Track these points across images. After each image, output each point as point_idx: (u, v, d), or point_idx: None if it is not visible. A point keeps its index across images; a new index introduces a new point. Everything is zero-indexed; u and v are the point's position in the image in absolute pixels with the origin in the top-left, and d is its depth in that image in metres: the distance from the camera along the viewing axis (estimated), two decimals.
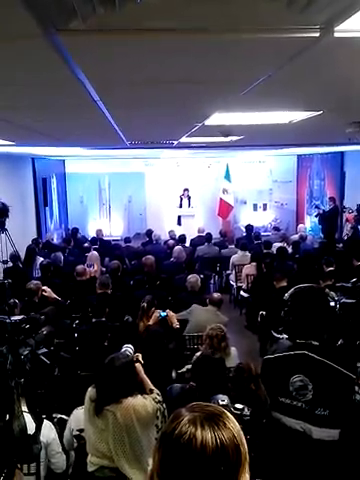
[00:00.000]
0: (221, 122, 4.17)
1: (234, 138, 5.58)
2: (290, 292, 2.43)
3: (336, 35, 1.60)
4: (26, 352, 1.96)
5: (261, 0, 1.32)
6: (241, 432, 0.97)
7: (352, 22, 1.50)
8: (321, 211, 10.82)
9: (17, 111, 3.50)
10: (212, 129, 4.65)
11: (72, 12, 1.35)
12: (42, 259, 8.12)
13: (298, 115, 3.92)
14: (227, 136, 5.18)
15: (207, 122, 4.22)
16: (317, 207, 11.27)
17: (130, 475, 2.79)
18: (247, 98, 2.85)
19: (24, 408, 1.95)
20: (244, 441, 0.96)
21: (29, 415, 2.07)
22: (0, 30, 1.52)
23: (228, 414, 0.99)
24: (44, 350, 2.14)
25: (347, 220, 10.33)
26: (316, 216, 11.12)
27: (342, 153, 11.08)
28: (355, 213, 9.73)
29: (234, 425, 0.97)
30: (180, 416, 0.98)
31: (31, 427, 2.01)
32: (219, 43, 1.71)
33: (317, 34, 1.60)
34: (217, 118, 3.92)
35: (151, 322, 4.42)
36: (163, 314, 4.45)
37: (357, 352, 3.41)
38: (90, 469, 2.89)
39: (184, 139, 6.22)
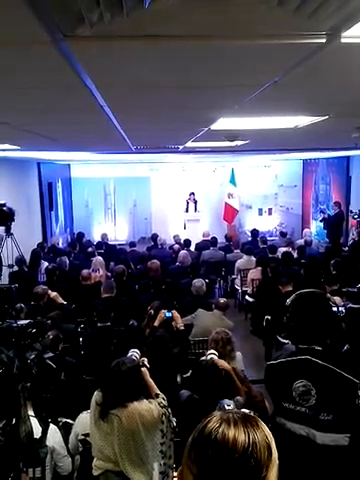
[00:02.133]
0: (227, 127, 4.18)
1: (240, 143, 5.58)
2: (291, 298, 2.43)
3: (343, 41, 1.60)
4: (32, 356, 1.97)
5: (268, 6, 1.33)
6: (271, 435, 0.98)
7: (359, 28, 1.50)
8: (326, 216, 10.80)
9: (23, 116, 3.52)
10: (218, 134, 4.66)
11: (79, 18, 1.36)
12: (47, 263, 8.16)
13: (304, 120, 3.92)
14: (233, 141, 5.18)
15: (213, 127, 4.23)
16: (322, 212, 11.25)
17: (135, 479, 2.79)
18: (253, 103, 2.85)
19: (30, 412, 1.95)
20: (274, 444, 0.96)
21: (35, 419, 2.08)
22: (7, 36, 1.53)
23: (261, 421, 1.00)
24: (50, 354, 2.14)
25: (352, 225, 10.31)
26: (321, 221, 11.10)
27: (348, 158, 11.06)
28: (359, 219, 9.72)
29: (265, 427, 0.98)
30: (213, 416, 0.99)
31: (37, 431, 2.02)
32: (226, 49, 1.72)
33: (324, 40, 1.60)
34: (223, 123, 3.93)
35: (156, 323, 4.42)
36: (168, 314, 4.46)
37: None
38: (95, 473, 2.89)
39: (190, 144, 6.24)
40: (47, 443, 2.67)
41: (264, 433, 0.96)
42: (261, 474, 0.91)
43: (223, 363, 3.43)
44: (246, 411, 1.02)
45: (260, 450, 0.92)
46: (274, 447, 0.96)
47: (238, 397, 3.29)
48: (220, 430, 0.94)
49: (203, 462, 0.92)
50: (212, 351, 3.54)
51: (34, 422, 1.87)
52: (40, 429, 2.09)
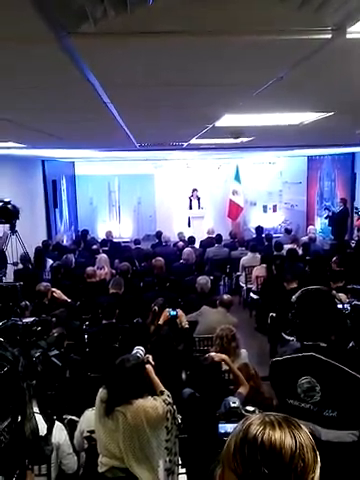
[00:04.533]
0: (231, 124, 4.16)
1: (244, 139, 5.57)
2: (297, 294, 2.43)
3: (348, 36, 1.59)
4: (38, 354, 1.97)
5: (273, 2, 1.32)
6: (311, 445, 0.97)
7: None
8: (331, 213, 10.77)
9: (27, 113, 3.53)
10: (222, 131, 4.65)
11: (83, 15, 1.36)
12: (51, 261, 8.18)
13: (309, 116, 3.90)
14: (237, 137, 5.17)
15: (217, 124, 4.22)
16: (327, 208, 11.21)
17: (140, 476, 2.80)
18: (258, 100, 2.84)
19: (36, 409, 1.96)
20: (314, 456, 0.96)
21: (40, 416, 2.08)
22: (11, 33, 1.53)
23: (297, 423, 1.00)
24: (55, 352, 2.15)
25: (356, 225, 10.29)
26: (326, 218, 11.07)
27: (353, 154, 11.01)
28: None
29: (307, 434, 0.98)
30: (254, 419, 0.98)
31: (42, 428, 2.02)
32: (231, 45, 1.71)
33: (329, 36, 1.59)
34: (227, 120, 3.92)
35: (161, 321, 4.43)
36: (173, 313, 4.46)
37: None
38: (101, 470, 2.90)
39: (194, 141, 6.22)
40: (52, 440, 2.68)
41: (307, 434, 0.96)
42: (309, 476, 0.91)
43: (221, 355, 3.44)
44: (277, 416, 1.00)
45: (307, 452, 0.92)
46: (315, 445, 0.95)
47: (240, 390, 3.30)
48: (266, 433, 0.93)
49: (251, 466, 0.91)
50: (212, 353, 3.55)
51: (39, 419, 1.87)
52: (45, 426, 2.10)
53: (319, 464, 0.95)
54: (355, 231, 10.44)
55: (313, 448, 0.94)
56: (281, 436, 0.92)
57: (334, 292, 4.33)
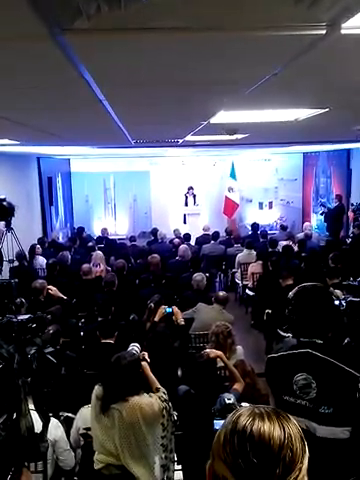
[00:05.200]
0: (226, 120, 4.16)
1: (239, 136, 5.57)
2: (294, 291, 2.43)
3: (343, 32, 1.59)
4: (33, 351, 1.97)
5: None
6: (300, 437, 0.98)
7: (359, 19, 1.49)
8: (326, 209, 10.79)
9: (22, 111, 3.51)
10: (217, 127, 4.65)
11: (77, 11, 1.35)
12: (41, 258, 8.18)
13: (304, 112, 3.90)
14: (232, 134, 5.16)
15: (212, 120, 4.21)
16: (323, 205, 11.22)
17: (136, 473, 2.80)
18: (253, 96, 2.84)
19: (31, 406, 1.96)
20: (303, 448, 0.97)
21: (36, 413, 2.08)
22: (5, 30, 1.52)
23: (287, 415, 1.01)
24: (50, 349, 2.14)
25: (351, 220, 10.32)
26: (321, 214, 11.09)
27: (348, 150, 11.03)
28: (353, 212, 9.75)
29: (296, 426, 0.99)
30: (243, 411, 1.00)
31: (38, 425, 2.02)
32: (225, 41, 1.70)
33: (324, 31, 1.59)
34: (222, 116, 3.92)
35: (157, 318, 4.43)
36: (169, 310, 4.47)
37: None
38: (97, 467, 2.90)
39: (189, 137, 6.22)
40: (49, 437, 2.69)
41: (296, 425, 0.97)
42: (297, 466, 0.93)
43: (216, 352, 3.45)
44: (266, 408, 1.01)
45: (295, 442, 0.94)
46: (304, 446, 0.96)
47: (235, 386, 3.31)
48: (255, 424, 0.95)
49: (240, 456, 0.93)
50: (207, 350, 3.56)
51: (35, 416, 1.87)
52: (41, 423, 2.10)
53: (307, 454, 0.96)
54: (351, 227, 10.46)
55: (301, 439, 0.96)
56: (270, 427, 0.94)
57: (331, 289, 4.35)
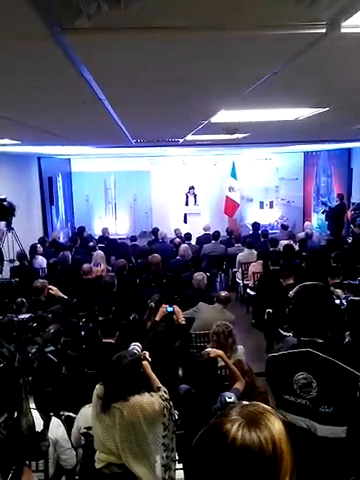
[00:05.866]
0: (227, 119, 4.16)
1: (240, 135, 5.57)
2: (295, 290, 2.43)
3: (343, 31, 1.59)
4: (34, 350, 1.97)
5: None
6: (284, 438, 0.97)
7: (359, 18, 1.49)
8: (327, 208, 10.78)
9: (22, 110, 3.51)
10: (218, 126, 4.65)
11: (77, 11, 1.35)
12: (41, 258, 8.18)
13: (304, 112, 3.90)
14: (233, 134, 5.16)
15: (213, 120, 4.21)
16: (324, 204, 11.21)
17: (137, 472, 2.81)
18: (253, 95, 2.84)
19: (32, 406, 1.96)
20: (287, 449, 0.96)
21: (37, 412, 2.08)
22: (6, 30, 1.52)
23: (270, 414, 1.00)
24: (51, 348, 2.15)
25: (347, 218, 10.33)
26: (323, 213, 11.08)
27: (349, 150, 11.02)
28: (353, 211, 9.75)
29: (275, 420, 0.98)
30: (221, 416, 1.00)
31: (39, 424, 2.02)
32: (225, 40, 1.70)
33: (324, 30, 1.59)
34: (223, 115, 3.92)
35: (158, 317, 4.43)
36: (170, 309, 4.47)
37: None
38: (98, 466, 2.90)
39: (190, 137, 6.22)
40: (50, 436, 2.69)
41: (279, 424, 0.97)
42: (281, 464, 0.92)
43: (216, 351, 3.45)
44: (258, 406, 1.01)
45: (272, 447, 0.93)
46: (285, 446, 0.96)
47: (236, 385, 3.31)
48: (235, 428, 0.94)
49: (214, 463, 0.92)
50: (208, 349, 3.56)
51: (36, 415, 1.88)
52: (42, 422, 2.10)
53: (288, 457, 0.95)
54: (351, 226, 10.47)
55: (280, 442, 0.95)
56: (251, 432, 0.93)
57: (332, 288, 4.36)
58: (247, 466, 0.90)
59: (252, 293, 7.90)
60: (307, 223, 11.58)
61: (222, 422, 0.96)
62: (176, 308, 4.53)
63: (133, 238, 10.22)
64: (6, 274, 6.85)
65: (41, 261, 8.32)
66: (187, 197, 12.81)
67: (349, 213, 10.14)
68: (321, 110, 3.72)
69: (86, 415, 3.23)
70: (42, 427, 2.08)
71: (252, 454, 0.91)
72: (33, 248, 8.45)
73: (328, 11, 1.45)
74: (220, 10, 1.41)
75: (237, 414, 0.97)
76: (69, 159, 13.63)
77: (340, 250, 7.62)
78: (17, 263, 7.22)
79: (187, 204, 12.78)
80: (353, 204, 10.27)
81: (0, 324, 2.08)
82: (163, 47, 1.78)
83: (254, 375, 3.70)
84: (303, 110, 3.82)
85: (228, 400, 2.81)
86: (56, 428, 3.09)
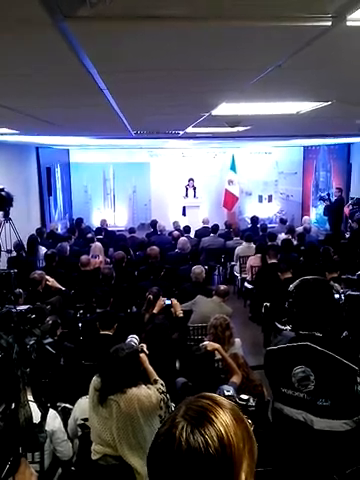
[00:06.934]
0: (228, 112, 4.13)
1: (241, 128, 5.54)
2: (295, 283, 2.43)
3: (349, 24, 1.57)
4: (32, 342, 1.96)
5: None
6: (233, 428, 0.93)
7: None
8: (328, 202, 10.77)
9: (22, 99, 3.48)
10: (219, 119, 4.62)
11: None
12: (44, 249, 8.14)
13: (306, 105, 3.87)
14: (234, 126, 5.14)
15: (214, 112, 4.19)
16: (322, 199, 11.20)
17: (133, 463, 2.81)
18: (256, 88, 2.82)
19: (30, 397, 1.95)
20: (237, 439, 0.92)
21: (34, 404, 2.08)
22: (8, 17, 1.50)
23: (217, 406, 0.96)
24: (49, 340, 2.14)
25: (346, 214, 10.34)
26: (324, 205, 11.05)
27: (349, 145, 11.00)
28: (351, 207, 9.75)
29: (219, 418, 0.94)
30: (168, 419, 0.98)
31: (36, 416, 2.02)
32: (229, 31, 1.68)
33: (329, 23, 1.57)
34: (224, 108, 3.89)
35: (156, 310, 4.44)
36: (168, 302, 4.48)
37: None
38: (94, 457, 2.91)
39: (190, 129, 6.19)
40: (46, 428, 2.68)
41: (220, 422, 0.93)
42: (228, 461, 0.90)
43: (213, 344, 3.46)
44: (207, 403, 0.97)
45: (218, 443, 0.90)
46: (236, 442, 0.92)
47: (233, 379, 3.32)
48: (170, 435, 0.92)
49: (158, 468, 0.91)
50: (205, 342, 3.57)
51: (33, 407, 1.87)
52: (39, 414, 2.10)
53: (239, 463, 0.92)
54: (349, 221, 10.47)
55: (223, 448, 0.90)
56: (185, 434, 0.90)
57: (332, 282, 4.36)
58: (197, 469, 0.88)
59: (250, 286, 7.91)
60: (305, 218, 11.57)
61: (169, 426, 0.94)
62: (174, 301, 4.53)
63: (132, 230, 10.20)
64: (3, 265, 6.85)
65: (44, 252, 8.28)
66: (186, 189, 12.78)
67: (346, 209, 10.15)
68: (324, 104, 3.69)
69: (83, 406, 3.23)
70: (40, 419, 2.08)
71: (199, 456, 0.88)
72: (34, 239, 8.41)
73: (334, 4, 1.43)
74: (223, 1, 1.39)
75: (181, 416, 0.95)
76: (68, 150, 13.57)
77: (337, 245, 7.63)
78: (14, 254, 7.20)
79: (186, 196, 12.76)
80: (352, 199, 10.27)
81: None
82: (165, 37, 1.76)
83: (249, 368, 3.71)
84: (305, 104, 3.80)
85: (226, 393, 2.81)
86: (52, 420, 3.09)
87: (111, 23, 1.56)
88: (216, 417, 0.93)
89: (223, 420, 0.93)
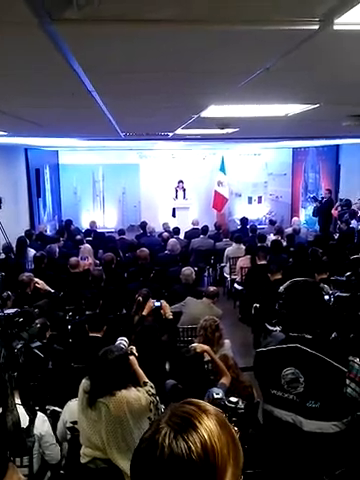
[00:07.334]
0: (217, 114, 4.14)
1: (230, 130, 5.55)
2: (285, 285, 2.43)
3: (336, 28, 1.58)
4: (19, 346, 1.95)
5: None
6: (217, 435, 0.92)
7: (352, 15, 1.48)
8: (318, 203, 10.84)
9: (9, 100, 3.46)
10: (208, 121, 4.63)
11: (67, 1, 1.32)
12: (33, 251, 8.10)
13: (295, 108, 3.89)
14: (223, 128, 5.15)
15: (203, 114, 4.19)
16: (314, 199, 11.26)
17: (122, 466, 2.80)
18: (244, 90, 2.82)
19: (17, 401, 1.94)
20: (221, 445, 0.91)
21: (22, 408, 2.06)
22: None
23: (201, 412, 0.95)
24: (38, 343, 2.12)
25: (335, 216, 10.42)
26: (314, 208, 11.11)
27: (337, 146, 11.08)
28: (339, 208, 9.83)
29: (203, 424, 0.92)
30: (152, 425, 0.97)
31: (24, 420, 2.00)
32: (217, 34, 1.68)
33: (317, 27, 1.58)
34: (213, 110, 3.90)
35: (145, 312, 4.42)
36: (157, 304, 4.47)
37: (350, 345, 3.43)
38: (83, 461, 2.89)
39: (180, 131, 6.19)
40: (35, 431, 2.66)
41: (204, 428, 0.92)
42: (212, 467, 0.89)
43: (202, 346, 3.46)
44: (191, 408, 0.96)
45: (201, 449, 0.89)
46: (220, 447, 0.91)
47: (222, 380, 3.33)
48: (153, 442, 0.91)
49: (144, 474, 0.90)
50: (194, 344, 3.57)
51: (21, 411, 1.86)
52: (27, 418, 2.08)
53: (224, 468, 0.91)
54: (338, 222, 10.55)
55: (206, 454, 0.89)
56: (168, 442, 0.89)
57: (322, 284, 4.38)
58: (180, 475, 0.87)
59: (239, 288, 7.92)
60: (295, 219, 11.64)
61: (152, 432, 0.93)
62: (164, 302, 4.52)
63: (121, 232, 10.17)
64: None
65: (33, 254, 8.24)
66: (176, 191, 12.78)
67: (334, 211, 10.23)
68: (311, 106, 3.72)
69: (72, 409, 3.21)
70: (27, 423, 2.06)
71: (182, 461, 0.87)
72: (23, 241, 8.35)
73: (321, 8, 1.44)
74: (212, 3, 1.40)
75: (165, 422, 0.94)
76: (57, 151, 13.50)
77: (326, 246, 7.68)
78: (3, 256, 7.15)
79: (176, 198, 12.75)
80: (340, 200, 10.34)
81: None
82: (154, 40, 1.76)
83: (239, 370, 3.72)
84: (293, 106, 3.82)
85: (216, 396, 2.81)
86: (41, 423, 3.06)
87: (98, 26, 1.55)
88: (200, 423, 0.92)
89: (207, 426, 0.92)
